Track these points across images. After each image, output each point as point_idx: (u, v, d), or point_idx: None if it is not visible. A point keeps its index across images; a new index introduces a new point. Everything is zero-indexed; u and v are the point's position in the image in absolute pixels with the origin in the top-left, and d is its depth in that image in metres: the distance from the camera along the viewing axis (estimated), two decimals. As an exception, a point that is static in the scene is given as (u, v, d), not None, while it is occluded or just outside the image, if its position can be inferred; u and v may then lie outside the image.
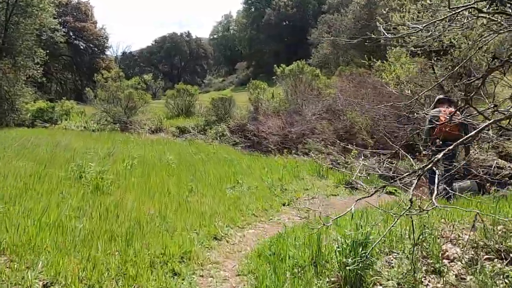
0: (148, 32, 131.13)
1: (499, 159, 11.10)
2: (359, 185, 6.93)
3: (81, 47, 43.13)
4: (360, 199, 3.28)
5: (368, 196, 3.36)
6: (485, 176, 10.45)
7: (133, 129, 21.48)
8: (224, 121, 21.68)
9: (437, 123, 6.39)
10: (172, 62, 63.97)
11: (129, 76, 38.91)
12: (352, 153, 10.32)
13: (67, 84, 43.24)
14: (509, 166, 10.92)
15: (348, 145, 14.39)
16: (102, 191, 5.57)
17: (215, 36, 73.13)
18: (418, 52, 10.95)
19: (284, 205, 6.13)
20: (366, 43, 24.00)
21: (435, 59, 10.50)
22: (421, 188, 7.94)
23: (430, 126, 6.53)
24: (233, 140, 19.39)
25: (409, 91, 11.22)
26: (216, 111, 23.17)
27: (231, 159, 9.90)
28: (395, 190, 6.77)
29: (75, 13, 42.82)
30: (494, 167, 10.87)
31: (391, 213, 3.99)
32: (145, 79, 50.79)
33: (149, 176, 6.84)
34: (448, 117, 5.95)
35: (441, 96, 7.02)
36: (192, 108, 26.38)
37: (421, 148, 7.03)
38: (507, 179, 11.06)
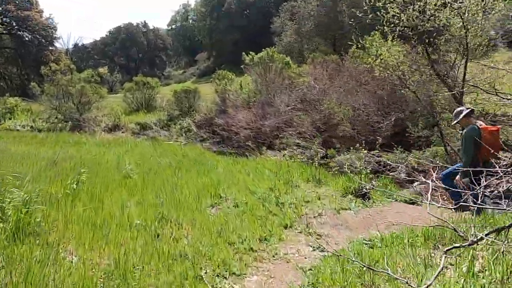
0: (101, 22, 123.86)
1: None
2: (381, 193, 5.53)
3: (26, 38, 38.95)
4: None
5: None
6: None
7: (88, 127, 19.09)
8: (189, 115, 19.78)
9: (483, 141, 4.92)
10: (129, 54, 60.17)
11: (82, 70, 35.65)
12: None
13: (12, 79, 39.07)
14: (505, 156, 10.06)
15: (332, 138, 13.14)
16: (26, 234, 3.73)
17: (173, 26, 69.68)
18: (408, 34, 9.78)
19: (286, 227, 4.61)
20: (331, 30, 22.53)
21: (427, 41, 9.30)
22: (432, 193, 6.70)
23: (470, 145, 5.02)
24: (200, 136, 17.60)
25: (399, 76, 10.02)
26: (180, 105, 21.18)
27: (204, 162, 8.24)
28: (415, 197, 5.44)
29: (17, 1, 38.57)
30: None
31: None
32: (100, 72, 47.23)
33: (102, 201, 4.99)
34: (491, 134, 4.92)
35: (464, 108, 5.46)
36: (153, 102, 24.17)
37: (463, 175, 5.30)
38: (504, 169, 10.24)
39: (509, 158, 9.93)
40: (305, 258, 3.93)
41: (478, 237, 2.19)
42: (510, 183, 4.90)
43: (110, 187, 5.75)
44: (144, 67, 58.54)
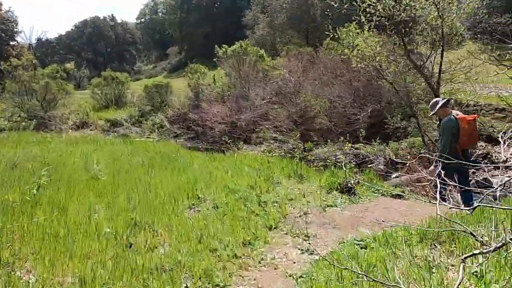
0: (66, 16, 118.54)
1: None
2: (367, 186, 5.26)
3: (-16, 32, 36.69)
4: None
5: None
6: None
7: (54, 125, 18.07)
8: (161, 111, 19.11)
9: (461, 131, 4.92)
10: (96, 48, 57.89)
11: (47, 65, 33.91)
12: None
13: (-29, 76, 36.75)
14: (481, 146, 10.13)
15: (310, 131, 12.91)
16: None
17: (142, 20, 67.62)
18: (385, 24, 9.60)
19: (270, 229, 4.27)
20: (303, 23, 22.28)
21: (403, 31, 9.16)
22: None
23: (448, 135, 4.97)
24: (174, 132, 17.02)
25: (376, 67, 9.85)
26: (151, 100, 20.44)
27: (179, 159, 7.77)
28: (402, 191, 5.22)
29: (-27, -6, 36.19)
30: (468, 147, 9.99)
31: None
32: (67, 67, 45.21)
33: (66, 207, 4.43)
34: (469, 123, 4.91)
35: (439, 99, 5.41)
36: (123, 97, 23.24)
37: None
38: (481, 159, 10.34)
39: (484, 148, 10.02)
40: (294, 262, 3.61)
41: (501, 242, 1.91)
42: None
43: (76, 190, 5.20)
44: (113, 62, 56.57)
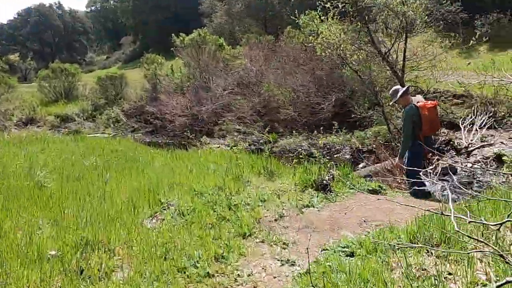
0: (7, 3, 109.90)
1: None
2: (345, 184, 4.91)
3: None
4: None
5: None
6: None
7: (-4, 123, 16.46)
8: (116, 104, 17.98)
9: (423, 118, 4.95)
10: (43, 38, 53.98)
11: (-14, 57, 31.02)
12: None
13: None
14: (443, 132, 10.21)
15: (274, 122, 12.50)
16: None
17: (92, 8, 63.91)
18: (349, 10, 9.33)
19: (244, 237, 3.81)
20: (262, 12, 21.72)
21: (367, 18, 8.94)
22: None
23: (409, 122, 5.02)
24: (131, 126, 16.05)
25: (340, 54, 9.58)
26: (105, 93, 19.20)
27: (138, 158, 7.09)
28: (379, 186, 4.94)
29: None
30: (431, 134, 10.03)
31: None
32: (10, 59, 41.84)
33: (0, 226, 3.67)
34: (430, 110, 4.95)
35: (399, 87, 5.45)
36: (74, 90, 21.71)
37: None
38: (444, 145, 10.44)
39: (446, 134, 10.11)
40: (274, 277, 3.18)
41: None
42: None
43: (16, 203, 4.43)
44: (61, 52, 53.15)
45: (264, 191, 4.95)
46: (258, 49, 15.17)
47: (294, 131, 11.66)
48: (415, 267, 2.79)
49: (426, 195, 5.22)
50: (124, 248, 3.36)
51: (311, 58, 12.84)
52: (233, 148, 7.93)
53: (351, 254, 3.27)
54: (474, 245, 2.92)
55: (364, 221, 4.03)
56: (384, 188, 4.91)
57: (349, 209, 4.34)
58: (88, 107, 18.27)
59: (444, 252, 2.90)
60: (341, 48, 9.53)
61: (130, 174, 5.86)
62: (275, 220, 4.18)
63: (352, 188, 4.92)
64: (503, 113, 9.99)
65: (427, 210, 2.42)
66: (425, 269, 2.76)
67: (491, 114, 9.81)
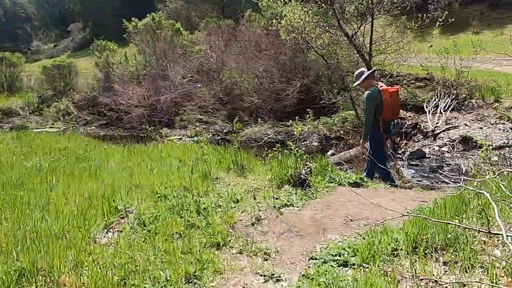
0: None
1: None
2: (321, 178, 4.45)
3: None
4: None
5: None
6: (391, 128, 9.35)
7: None
8: (66, 96, 16.55)
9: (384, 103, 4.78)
10: (-20, 25, 49.37)
11: None
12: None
13: None
14: (409, 116, 10.11)
15: (238, 111, 11.90)
16: None
17: (35, -7, 59.12)
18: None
19: (218, 247, 3.26)
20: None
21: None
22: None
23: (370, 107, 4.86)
24: (83, 119, 14.82)
25: (306, 38, 9.12)
26: (53, 84, 17.64)
27: (91, 157, 6.26)
28: (361, 178, 4.54)
29: None
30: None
31: None
32: None
33: None
34: (391, 95, 4.78)
35: (364, 69, 5.23)
36: (17, 82, 19.85)
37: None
38: (410, 129, 10.35)
39: (412, 118, 10.03)
40: (260, 300, 2.67)
41: None
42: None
43: None
44: (3, 41, 48.79)
45: (236, 190, 4.41)
46: (218, 35, 14.41)
47: (259, 119, 11.16)
48: (426, 279, 2.38)
49: (389, 180, 4.97)
50: (72, 275, 2.70)
51: (273, 43, 12.31)
52: (199, 142, 7.32)
53: (345, 264, 2.82)
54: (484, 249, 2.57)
55: (351, 220, 3.61)
56: (365, 180, 4.52)
57: (332, 207, 3.91)
58: (34, 100, 16.70)
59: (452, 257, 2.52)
60: (306, 32, 9.07)
61: (81, 176, 5.07)
62: (252, 224, 3.66)
63: (332, 182, 4.49)
64: (464, 95, 10.04)
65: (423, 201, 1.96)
66: (436, 281, 2.36)
67: (454, 96, 9.81)
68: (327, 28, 8.55)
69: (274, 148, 4.81)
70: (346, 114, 9.85)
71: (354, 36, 8.23)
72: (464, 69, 10.13)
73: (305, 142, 10.09)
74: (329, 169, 4.67)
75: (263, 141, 10.41)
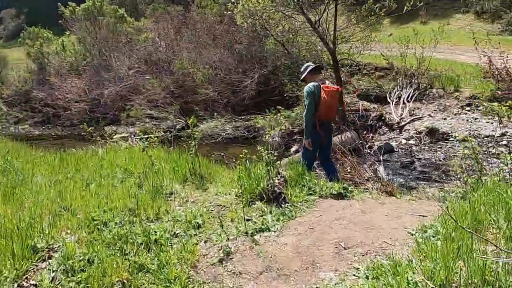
0: None
1: (363, 101, 9.70)
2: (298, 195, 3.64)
3: None
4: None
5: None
6: (357, 121, 8.83)
7: None
8: (-7, 90, 14.43)
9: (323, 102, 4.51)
10: None
11: None
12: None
13: None
14: (373, 107, 9.64)
15: (192, 104, 10.82)
16: None
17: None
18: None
19: (176, 302, 2.38)
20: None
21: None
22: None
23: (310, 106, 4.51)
24: (15, 117, 12.95)
25: (264, 25, 8.27)
26: (-23, 77, 15.35)
27: (13, 168, 5.00)
28: (344, 188, 3.81)
29: None
30: (361, 110, 9.40)
31: None
32: None
33: None
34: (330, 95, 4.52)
35: (311, 64, 4.86)
36: None
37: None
38: (375, 121, 9.90)
39: (376, 110, 9.59)
40: None
41: None
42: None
43: None
44: None
45: (196, 209, 3.51)
46: (167, 22, 13.13)
47: (215, 113, 10.23)
48: None
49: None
50: None
51: (228, 30, 11.35)
52: (149, 144, 6.28)
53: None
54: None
55: (344, 248, 2.86)
56: (350, 189, 3.80)
57: (317, 229, 3.14)
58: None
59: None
60: (264, 17, 8.23)
61: (-5, 197, 3.89)
62: (220, 261, 2.79)
63: (312, 194, 3.72)
64: (425, 85, 9.77)
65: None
66: None
67: (415, 86, 9.50)
68: (287, 13, 7.74)
69: (241, 154, 3.94)
70: (308, 107, 9.16)
71: (318, 23, 7.50)
72: (424, 57, 9.84)
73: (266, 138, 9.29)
74: (307, 177, 3.89)
75: (221, 137, 9.52)
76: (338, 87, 4.95)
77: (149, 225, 3.25)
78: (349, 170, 5.27)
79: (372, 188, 4.67)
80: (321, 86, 4.53)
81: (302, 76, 4.80)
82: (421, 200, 3.89)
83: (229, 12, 8.23)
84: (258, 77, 10.42)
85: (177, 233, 3.12)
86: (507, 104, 4.64)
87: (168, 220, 3.34)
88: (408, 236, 2.91)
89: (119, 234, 3.06)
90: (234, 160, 4.21)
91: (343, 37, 7.90)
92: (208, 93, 10.31)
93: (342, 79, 8.72)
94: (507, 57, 8.38)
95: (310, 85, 4.53)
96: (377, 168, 5.16)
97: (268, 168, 3.68)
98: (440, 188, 5.32)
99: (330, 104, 4.53)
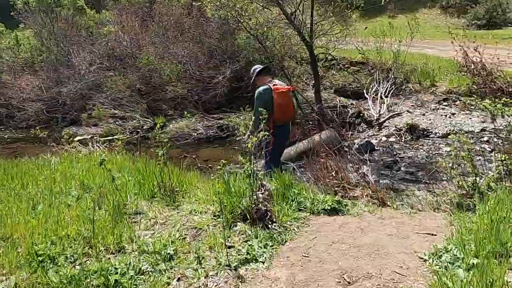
0: None
1: (340, 97, 9.30)
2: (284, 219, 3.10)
3: None
4: None
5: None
6: (336, 118, 8.42)
7: None
8: None
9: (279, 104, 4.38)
10: None
11: None
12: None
13: None
14: (351, 103, 9.28)
15: (160, 103, 10.03)
16: None
17: None
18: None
19: None
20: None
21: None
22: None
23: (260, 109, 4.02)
24: (-39, 119, 11.64)
25: (237, 17, 7.66)
26: None
27: None
28: (339, 202, 3.31)
29: None
30: (339, 106, 9.00)
31: None
32: None
33: None
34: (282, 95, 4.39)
35: (258, 66, 4.76)
36: None
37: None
38: (354, 118, 9.54)
39: (354, 106, 9.23)
40: None
41: None
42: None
43: None
44: None
45: (166, 234, 2.91)
46: (131, 14, 12.20)
47: (185, 112, 9.48)
48: None
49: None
50: None
51: (197, 23, 10.62)
52: (107, 144, 5.62)
53: None
54: None
55: (348, 282, 2.37)
56: (344, 203, 3.31)
57: (313, 256, 2.63)
58: None
59: None
60: (237, 9, 7.62)
61: None
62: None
63: (302, 210, 3.21)
64: (401, 80, 9.53)
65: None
66: None
67: (392, 81, 9.22)
68: (261, 4, 7.17)
69: (218, 165, 3.35)
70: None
71: (294, 15, 6.98)
72: (400, 51, 9.58)
73: (241, 137, 8.74)
74: (296, 190, 3.37)
75: (192, 138, 8.85)
76: (290, 87, 4.76)
77: (109, 259, 2.62)
78: (334, 175, 4.80)
79: (362, 195, 4.24)
80: (273, 87, 4.38)
81: (252, 80, 4.64)
82: (422, 212, 3.46)
83: (198, 3, 7.52)
84: (230, 72, 9.80)
85: (144, 270, 2.52)
86: (502, 101, 4.32)
87: (133, 251, 2.74)
88: (421, 263, 2.45)
89: (69, 276, 2.41)
90: (207, 165, 3.64)
91: (320, 30, 7.41)
92: (177, 90, 9.59)
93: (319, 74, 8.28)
94: (483, 51, 8.21)
95: (261, 88, 4.39)
96: (365, 172, 4.73)
97: (252, 181, 3.12)
98: (429, 190, 4.98)
99: (283, 104, 4.38)
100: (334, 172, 4.86)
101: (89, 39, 12.39)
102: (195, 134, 8.92)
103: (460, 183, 4.16)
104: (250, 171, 3.12)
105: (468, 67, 8.51)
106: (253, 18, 7.61)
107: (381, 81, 9.15)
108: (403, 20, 20.17)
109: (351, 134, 7.93)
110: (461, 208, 3.86)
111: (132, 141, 9.02)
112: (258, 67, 4.69)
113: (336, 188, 4.61)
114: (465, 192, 4.21)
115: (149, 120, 9.60)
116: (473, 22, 17.23)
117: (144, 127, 9.64)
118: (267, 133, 3.33)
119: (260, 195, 3.19)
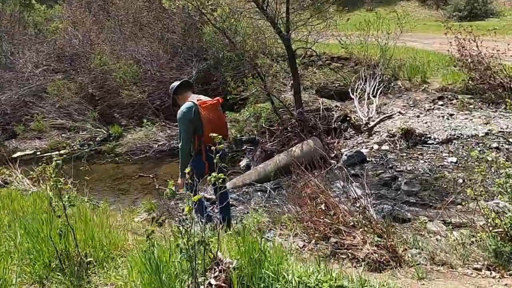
0: None
1: (323, 98, 8.06)
2: None
3: None
4: None
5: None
6: (319, 124, 7.20)
7: None
8: None
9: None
10: None
11: None
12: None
13: None
14: (335, 106, 8.06)
15: (114, 110, 8.57)
16: None
17: None
18: None
19: None
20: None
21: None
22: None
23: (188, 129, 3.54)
24: None
25: (199, 7, 6.29)
26: None
27: None
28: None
29: None
30: (322, 109, 7.78)
31: None
32: None
33: None
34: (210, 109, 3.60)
35: (176, 83, 3.87)
36: None
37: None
38: (340, 122, 8.33)
39: (340, 109, 8.03)
40: None
41: None
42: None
43: None
44: None
45: None
46: (83, 8, 10.62)
47: (145, 120, 8.08)
48: None
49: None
50: None
51: (157, 17, 9.18)
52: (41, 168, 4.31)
53: None
54: None
55: None
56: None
57: None
58: None
59: None
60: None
61: None
62: None
63: None
64: (389, 77, 8.40)
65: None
66: None
67: (380, 79, 8.07)
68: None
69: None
70: (259, 108, 7.37)
71: (266, 2, 5.68)
72: (387, 45, 8.45)
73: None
74: (270, 264, 2.08)
75: (153, 150, 7.46)
76: (218, 98, 3.86)
77: None
78: (323, 210, 3.55)
79: (365, 241, 3.06)
80: (197, 103, 3.60)
81: (171, 101, 3.86)
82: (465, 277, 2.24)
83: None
84: (197, 72, 8.43)
85: None
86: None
87: None
88: None
89: None
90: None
91: (298, 20, 6.15)
92: (135, 95, 8.14)
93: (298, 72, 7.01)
94: (481, 43, 7.16)
95: (183, 107, 3.60)
96: (366, 205, 3.49)
97: (193, 255, 1.82)
98: (444, 222, 3.81)
99: (214, 120, 3.63)
100: (324, 205, 3.62)
101: (36, 38, 10.75)
102: (156, 146, 7.53)
103: (496, 221, 3.05)
104: (191, 242, 1.82)
105: (464, 61, 7.45)
106: (218, 8, 6.24)
107: (368, 78, 7.99)
108: (382, 13, 19.27)
109: (337, 143, 6.72)
110: (500, 259, 2.77)
111: (82, 155, 7.62)
112: (175, 84, 3.89)
113: (327, 232, 3.39)
114: (501, 231, 3.12)
115: (102, 130, 8.12)
116: (454, 14, 16.40)
117: (97, 139, 8.16)
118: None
119: (213, 282, 1.89)
